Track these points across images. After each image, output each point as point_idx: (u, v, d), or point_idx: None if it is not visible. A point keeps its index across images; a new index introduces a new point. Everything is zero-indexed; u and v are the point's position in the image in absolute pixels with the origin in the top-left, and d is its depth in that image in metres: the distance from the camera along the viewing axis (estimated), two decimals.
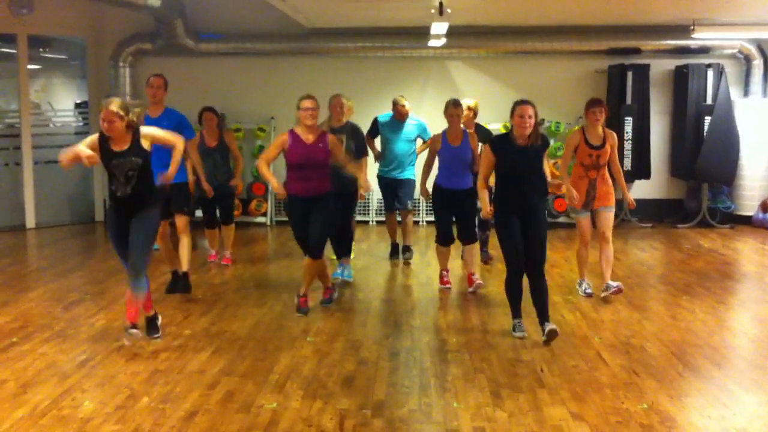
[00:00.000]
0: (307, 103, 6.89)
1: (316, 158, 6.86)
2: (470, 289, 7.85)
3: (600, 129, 7.44)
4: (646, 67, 11.96)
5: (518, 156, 6.29)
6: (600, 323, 6.84)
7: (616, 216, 8.14)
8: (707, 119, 11.75)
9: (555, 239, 10.90)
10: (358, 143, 8.16)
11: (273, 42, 12.16)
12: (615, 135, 7.62)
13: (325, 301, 7.37)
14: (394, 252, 9.54)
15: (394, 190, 9.20)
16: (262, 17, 11.81)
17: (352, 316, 7.13)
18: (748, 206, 12.03)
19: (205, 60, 12.37)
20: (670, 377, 5.49)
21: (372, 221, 12.25)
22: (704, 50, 11.97)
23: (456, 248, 8.34)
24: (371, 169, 9.04)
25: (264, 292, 7.91)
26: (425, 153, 8.35)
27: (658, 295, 8.00)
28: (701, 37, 11.26)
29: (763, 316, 7.27)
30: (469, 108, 8.60)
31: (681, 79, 12.07)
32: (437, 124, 8.18)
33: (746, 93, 12.12)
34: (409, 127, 9.13)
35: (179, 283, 7.71)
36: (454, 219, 7.95)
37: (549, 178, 6.48)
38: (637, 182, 12.06)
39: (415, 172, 9.11)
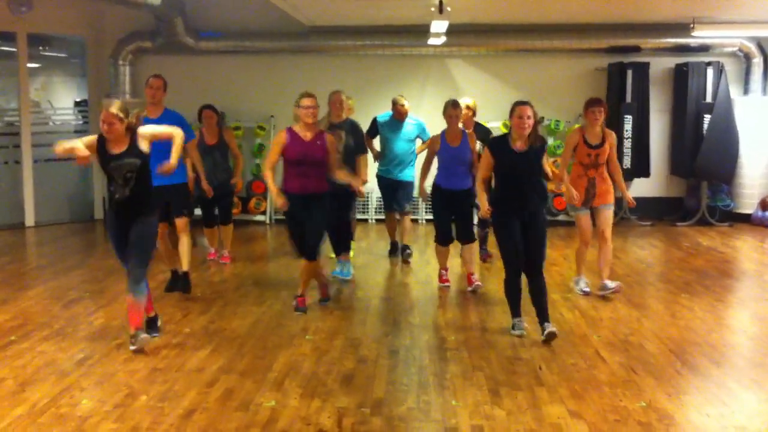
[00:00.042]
0: (307, 101, 6.88)
1: (314, 156, 6.86)
2: (469, 289, 7.85)
3: (599, 128, 7.44)
4: (646, 65, 11.96)
5: (517, 158, 6.29)
6: (599, 321, 6.84)
7: (616, 214, 8.15)
8: (707, 117, 11.74)
9: (554, 237, 10.89)
10: (357, 140, 8.16)
11: (273, 40, 12.15)
12: (614, 134, 7.62)
13: (323, 300, 7.37)
14: (393, 250, 9.55)
15: (393, 191, 9.20)
16: (262, 15, 11.80)
17: (351, 314, 7.13)
18: (748, 204, 12.03)
19: (204, 58, 12.37)
20: (669, 375, 5.49)
21: (371, 219, 12.25)
22: (704, 48, 11.96)
23: (455, 247, 8.34)
24: (371, 168, 9.05)
25: (263, 290, 7.92)
26: (424, 153, 8.36)
27: (657, 293, 8.01)
28: (701, 35, 11.25)
29: (762, 314, 7.27)
30: (467, 107, 8.61)
31: (681, 77, 12.06)
32: (437, 123, 8.17)
33: (746, 91, 12.11)
34: (409, 127, 9.13)
35: (179, 283, 7.71)
36: (453, 218, 7.96)
37: (549, 175, 6.47)
38: (636, 180, 12.05)
39: (414, 173, 9.11)
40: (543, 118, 11.54)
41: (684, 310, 7.22)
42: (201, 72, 12.37)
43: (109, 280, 8.20)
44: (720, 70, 11.76)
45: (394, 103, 9.06)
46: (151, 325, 6.31)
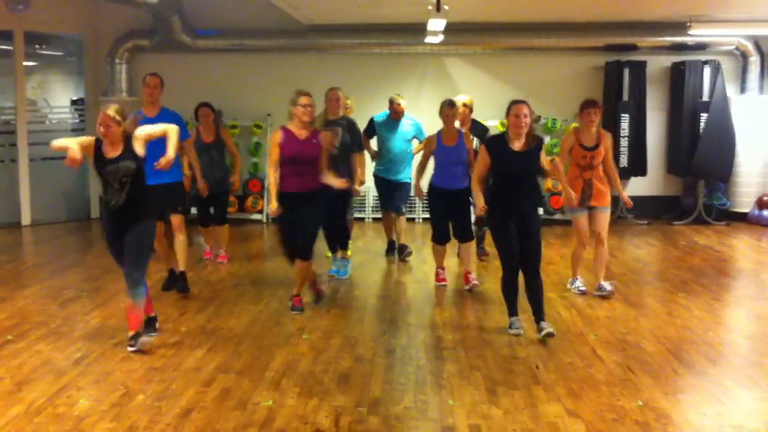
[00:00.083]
0: (304, 100, 6.87)
1: (310, 154, 6.85)
2: (466, 287, 7.86)
3: (594, 130, 7.44)
4: (643, 63, 11.96)
5: (515, 158, 6.29)
6: (595, 320, 6.84)
7: (612, 213, 8.15)
8: (704, 116, 11.73)
9: (551, 236, 10.90)
10: (353, 137, 8.16)
11: (270, 38, 12.14)
12: (609, 136, 7.61)
13: (316, 300, 7.31)
14: (390, 249, 9.54)
15: (390, 191, 9.19)
16: (259, 14, 11.78)
17: (348, 313, 7.12)
18: (744, 203, 12.04)
19: (202, 56, 12.35)
20: (666, 374, 5.50)
21: (368, 218, 12.25)
22: (701, 47, 11.97)
23: (452, 246, 8.36)
24: (368, 168, 9.05)
25: (260, 289, 7.91)
26: (421, 153, 8.37)
27: (654, 292, 8.01)
28: (698, 33, 11.24)
29: (759, 312, 7.28)
30: (464, 105, 8.64)
31: (678, 75, 12.07)
32: (434, 122, 8.17)
33: (743, 90, 12.12)
34: (406, 127, 9.12)
35: (178, 283, 7.70)
36: (450, 218, 7.96)
37: (547, 172, 6.46)
38: (633, 179, 12.05)
39: (411, 174, 9.09)
40: (540, 117, 11.54)
41: (681, 308, 7.23)
42: (198, 70, 12.35)
43: (106, 279, 8.18)
44: (717, 69, 11.76)
45: (391, 102, 9.06)
46: (149, 325, 6.30)
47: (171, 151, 6.00)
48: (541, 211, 11.69)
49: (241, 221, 11.97)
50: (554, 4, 10.37)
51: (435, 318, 6.99)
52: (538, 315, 6.34)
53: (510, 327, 6.45)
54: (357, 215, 11.31)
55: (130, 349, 5.90)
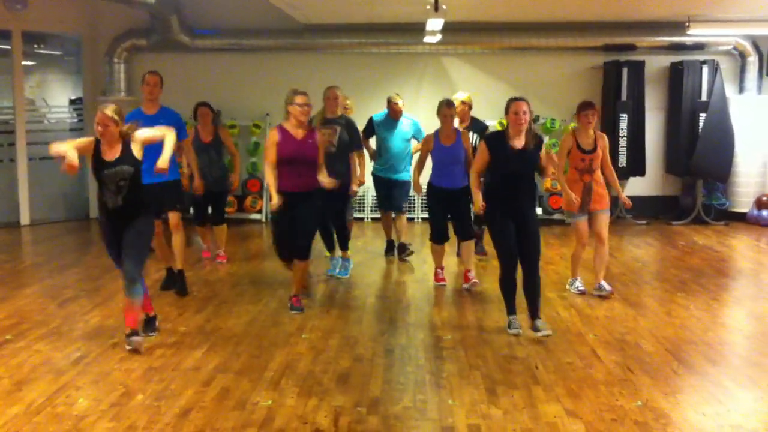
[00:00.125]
0: (301, 99, 6.85)
1: (307, 154, 6.84)
2: (465, 286, 7.87)
3: (591, 132, 7.45)
4: (641, 63, 11.96)
5: (514, 156, 6.30)
6: (594, 320, 6.85)
7: (611, 213, 8.15)
8: (702, 116, 11.74)
9: (550, 236, 10.91)
10: (352, 136, 8.16)
11: (268, 38, 12.13)
12: (605, 137, 7.61)
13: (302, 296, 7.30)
14: (389, 249, 9.54)
15: (390, 190, 9.19)
16: (258, 13, 11.78)
17: (348, 313, 7.12)
18: (743, 203, 12.04)
19: (200, 56, 12.34)
20: (665, 374, 5.50)
21: (367, 218, 12.25)
22: (699, 47, 11.98)
23: (450, 245, 8.36)
24: (366, 168, 9.06)
25: (259, 289, 7.91)
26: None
27: (653, 292, 8.01)
28: (696, 33, 11.25)
29: (758, 312, 7.28)
30: (463, 102, 8.67)
31: (676, 75, 12.07)
32: (432, 121, 8.17)
33: (741, 90, 12.12)
34: (405, 126, 9.11)
35: (177, 283, 7.70)
36: (449, 217, 7.97)
37: (548, 172, 6.45)
38: (631, 179, 12.05)
39: (410, 173, 9.08)
40: (538, 116, 11.55)
41: (680, 308, 7.23)
42: (196, 70, 12.35)
43: (105, 279, 8.17)
44: (715, 69, 11.77)
45: (389, 102, 9.06)
46: (149, 324, 6.30)
47: (166, 154, 5.99)
48: (540, 210, 11.72)
49: (240, 221, 11.97)
50: (552, 4, 10.37)
51: (434, 318, 6.99)
52: (533, 311, 6.39)
53: (509, 327, 6.45)
54: (356, 215, 11.30)
55: (128, 347, 5.90)
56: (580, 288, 7.68)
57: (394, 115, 9.05)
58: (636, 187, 12.10)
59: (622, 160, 11.79)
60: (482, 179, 6.60)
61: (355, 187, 8.21)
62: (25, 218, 11.78)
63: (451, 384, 5.31)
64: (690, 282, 8.26)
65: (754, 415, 4.83)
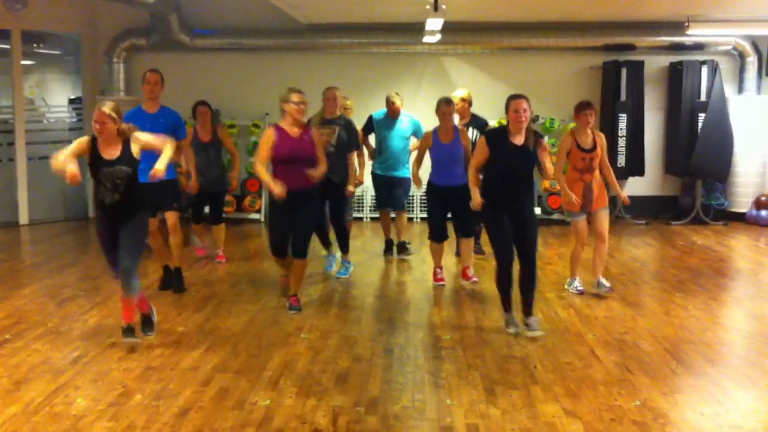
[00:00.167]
0: (297, 97, 6.83)
1: (304, 152, 6.83)
2: (464, 282, 7.91)
3: (590, 131, 7.46)
4: (641, 63, 11.97)
5: (514, 152, 6.30)
6: (593, 320, 6.85)
7: (610, 212, 8.17)
8: (701, 116, 11.74)
9: (549, 236, 10.91)
10: (350, 136, 8.15)
11: (268, 38, 12.13)
12: (603, 136, 7.64)
13: (285, 293, 7.34)
14: (388, 248, 9.53)
15: (390, 188, 9.18)
16: (257, 13, 11.78)
17: (346, 313, 7.12)
18: (742, 203, 12.04)
19: (199, 55, 12.34)
20: (664, 374, 5.50)
21: (366, 218, 12.24)
22: (699, 47, 11.97)
23: (449, 245, 8.36)
24: (367, 168, 9.08)
25: (258, 288, 7.90)
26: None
27: (652, 292, 8.02)
28: (696, 33, 11.26)
29: (757, 312, 7.28)
30: (462, 99, 8.69)
31: (675, 75, 12.07)
32: (431, 121, 8.17)
33: (740, 90, 12.12)
34: (404, 124, 9.12)
35: (176, 282, 7.70)
36: (449, 215, 7.99)
37: (549, 173, 6.46)
38: (631, 179, 12.06)
39: (410, 170, 9.09)
40: (537, 116, 11.55)
41: (679, 308, 7.23)
42: (196, 69, 12.35)
43: (104, 278, 8.15)
44: (714, 69, 11.77)
45: (387, 101, 9.06)
46: (146, 323, 6.29)
47: (163, 163, 5.97)
48: (539, 210, 11.72)
49: (239, 221, 11.96)
50: (552, 4, 10.37)
51: (433, 317, 6.99)
52: (527, 309, 6.43)
53: (506, 326, 6.46)
54: (355, 215, 11.30)
55: (124, 339, 5.96)
56: (578, 288, 7.69)
57: (392, 114, 9.05)
58: (635, 187, 12.10)
59: (622, 160, 11.79)
60: (481, 176, 6.61)
61: (351, 188, 8.20)
62: (24, 218, 11.77)
63: (449, 384, 5.31)
64: (689, 282, 8.27)
65: (753, 414, 4.83)
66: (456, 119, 8.27)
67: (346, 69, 12.19)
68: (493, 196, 6.38)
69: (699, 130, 11.72)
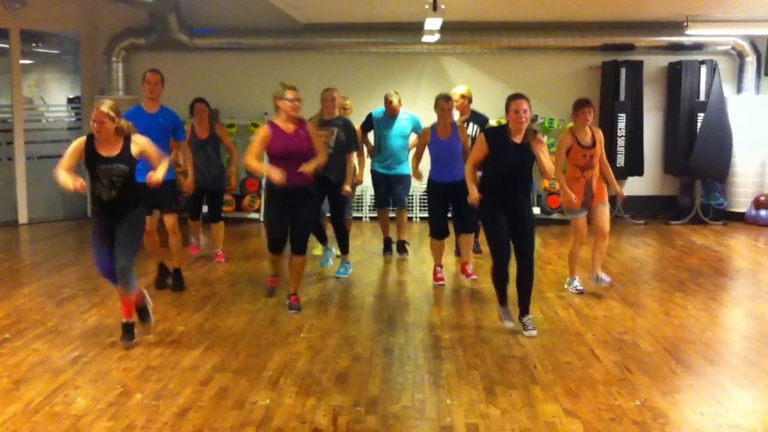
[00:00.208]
0: (291, 94, 6.82)
1: (299, 147, 6.82)
2: (463, 276, 8.02)
3: (588, 128, 7.47)
4: (640, 63, 11.97)
5: (512, 151, 6.31)
6: (593, 319, 6.85)
7: (609, 212, 8.17)
8: (700, 116, 11.74)
9: (548, 236, 10.92)
10: (349, 137, 8.15)
11: (267, 37, 12.13)
12: (601, 132, 7.66)
13: (270, 291, 7.44)
14: (387, 247, 9.53)
15: (390, 186, 9.18)
16: (256, 12, 11.78)
17: (346, 313, 7.12)
18: (741, 203, 12.05)
19: (198, 55, 12.34)
20: (663, 374, 5.50)
21: (366, 217, 12.24)
22: (697, 47, 11.98)
23: (449, 243, 8.36)
24: (366, 167, 9.08)
25: (257, 288, 7.89)
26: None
27: (651, 292, 8.02)
28: (694, 33, 11.26)
29: (756, 312, 7.28)
30: (462, 96, 8.71)
31: (674, 75, 12.08)
32: (431, 120, 8.17)
33: (739, 90, 12.13)
34: (403, 123, 9.11)
35: (176, 281, 7.70)
36: (449, 212, 8.04)
37: (549, 174, 6.46)
38: (630, 179, 12.06)
39: (409, 167, 9.08)
40: (537, 116, 11.55)
41: (678, 308, 7.24)
42: (195, 69, 12.34)
43: (103, 278, 8.14)
44: (713, 69, 11.77)
45: (385, 99, 9.06)
46: (142, 314, 6.27)
47: (159, 175, 5.96)
48: (538, 210, 11.73)
49: (238, 220, 11.96)
50: (551, 4, 10.38)
51: (433, 317, 6.99)
52: (524, 307, 6.46)
53: (502, 319, 6.53)
54: (355, 214, 11.29)
55: (123, 342, 5.99)
56: (578, 288, 7.69)
57: (390, 112, 9.05)
58: (634, 186, 12.11)
59: (621, 160, 11.80)
60: (479, 173, 6.63)
61: (347, 187, 8.18)
62: (23, 217, 11.77)
63: (449, 383, 5.31)
64: (688, 282, 8.27)
65: (753, 414, 4.83)
66: (456, 116, 8.29)
67: (345, 69, 12.19)
68: (492, 195, 6.40)
69: (698, 130, 11.72)
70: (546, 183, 11.69)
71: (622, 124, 11.83)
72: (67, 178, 5.72)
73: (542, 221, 11.67)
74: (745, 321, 7.09)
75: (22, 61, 11.94)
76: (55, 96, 13.69)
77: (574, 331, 6.52)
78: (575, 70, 12.35)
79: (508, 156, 6.32)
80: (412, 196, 11.87)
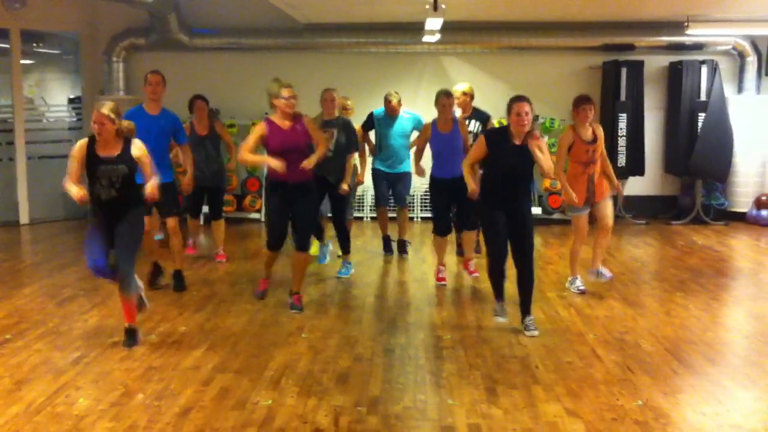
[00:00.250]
0: (287, 92, 6.81)
1: (297, 142, 6.83)
2: (464, 271, 8.10)
3: (588, 125, 7.49)
4: (640, 63, 11.97)
5: (512, 152, 6.31)
6: (594, 319, 6.85)
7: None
8: (701, 116, 11.74)
9: (549, 236, 10.92)
10: (348, 138, 8.15)
11: (267, 37, 12.13)
12: (601, 127, 7.71)
13: (259, 293, 7.40)
14: (386, 245, 9.51)
15: (391, 184, 9.18)
16: (256, 12, 11.78)
17: (347, 313, 7.12)
18: (742, 203, 12.04)
19: (198, 55, 12.34)
20: (665, 374, 5.50)
21: (367, 217, 12.24)
22: (698, 46, 11.98)
23: (450, 243, 8.37)
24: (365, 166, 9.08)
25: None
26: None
27: (652, 292, 8.02)
28: (695, 33, 11.26)
29: (757, 312, 7.28)
30: (464, 93, 8.70)
31: (675, 75, 12.07)
32: (431, 119, 8.18)
33: (740, 89, 12.13)
34: (404, 122, 9.12)
35: (177, 282, 7.70)
36: (452, 209, 8.09)
37: (549, 173, 6.47)
38: (631, 179, 12.06)
39: (411, 165, 9.07)
40: (538, 116, 11.54)
41: (679, 308, 7.24)
42: (195, 69, 12.33)
43: (93, 274, 8.12)
44: (714, 69, 11.77)
45: (384, 99, 9.06)
46: (138, 303, 6.27)
47: (152, 187, 5.92)
48: (539, 210, 11.73)
49: (239, 220, 11.96)
50: (551, 4, 10.37)
51: (434, 317, 6.99)
52: (525, 308, 6.47)
53: (496, 313, 6.59)
54: (356, 214, 11.28)
55: (126, 346, 5.97)
56: (580, 288, 7.69)
57: (390, 112, 9.05)
58: (635, 186, 12.11)
59: (622, 160, 11.79)
60: (481, 172, 6.64)
61: (345, 186, 8.14)
62: (24, 217, 11.77)
63: (451, 384, 5.31)
64: (689, 282, 8.27)
65: (754, 414, 4.84)
66: (458, 113, 8.30)
67: (345, 69, 12.19)
68: (492, 195, 6.40)
69: (699, 130, 11.72)
70: (547, 183, 11.69)
71: (622, 124, 11.82)
72: (73, 188, 5.73)
73: (543, 221, 11.68)
74: (746, 321, 7.09)
75: (22, 61, 11.94)
76: (55, 96, 13.69)
77: (575, 331, 6.52)
78: (576, 70, 12.35)
79: (508, 157, 6.32)
80: (413, 195, 11.87)
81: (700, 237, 10.92)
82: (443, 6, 8.42)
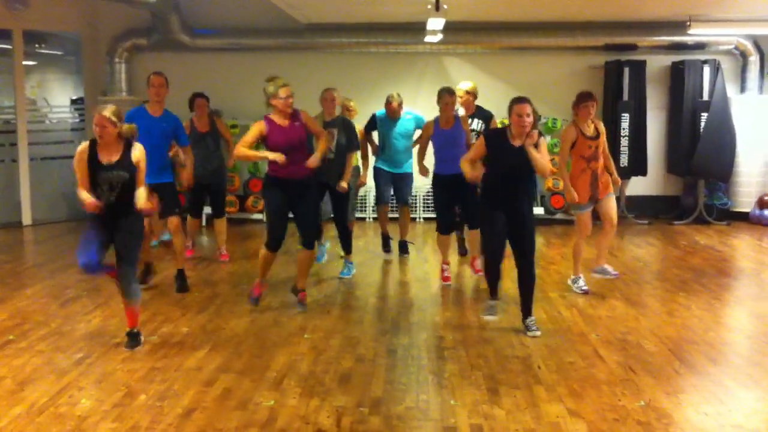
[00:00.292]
0: (285, 92, 6.80)
1: (295, 138, 6.84)
2: (471, 270, 8.14)
3: (590, 121, 7.50)
4: (643, 63, 11.96)
5: (512, 152, 6.31)
6: (596, 320, 6.84)
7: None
8: (704, 116, 11.72)
9: (551, 236, 10.91)
10: (348, 138, 8.14)
11: (269, 38, 12.14)
12: (601, 122, 7.76)
13: (252, 299, 7.27)
14: (385, 243, 9.47)
15: (393, 183, 9.18)
16: (258, 12, 11.79)
17: (349, 313, 7.12)
18: (745, 203, 12.03)
19: (200, 55, 12.35)
20: (667, 374, 5.50)
21: (369, 218, 12.23)
22: (700, 46, 11.97)
23: (452, 243, 8.37)
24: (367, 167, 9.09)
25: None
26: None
27: (655, 292, 8.01)
28: (697, 33, 11.25)
29: (760, 312, 7.28)
30: (467, 92, 8.69)
31: (677, 75, 12.07)
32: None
33: (743, 89, 12.12)
34: (406, 123, 9.11)
35: (180, 282, 7.72)
36: (457, 207, 8.10)
37: (547, 173, 6.48)
38: (633, 179, 12.06)
39: (413, 165, 9.07)
40: (540, 116, 11.52)
41: (681, 308, 7.23)
42: (196, 69, 12.33)
43: (106, 279, 8.13)
44: (716, 68, 11.76)
45: (386, 100, 9.06)
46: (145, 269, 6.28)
47: (142, 203, 5.89)
48: (542, 210, 11.72)
49: (242, 221, 11.96)
50: (553, 4, 10.37)
51: (436, 318, 6.99)
52: (526, 309, 6.48)
53: (486, 310, 6.68)
54: (358, 215, 11.29)
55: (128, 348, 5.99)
56: (583, 288, 7.68)
57: (390, 113, 9.03)
58: (637, 186, 12.11)
59: (624, 160, 11.78)
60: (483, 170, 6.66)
61: (344, 184, 8.12)
62: (26, 218, 11.78)
63: (453, 384, 5.31)
64: (692, 282, 8.26)
65: (756, 414, 4.83)
66: (461, 112, 8.30)
67: (346, 69, 12.19)
68: (492, 194, 6.41)
69: (701, 130, 11.71)
70: (549, 183, 11.68)
71: (625, 124, 11.81)
72: (88, 197, 5.75)
73: (545, 221, 11.68)
74: (749, 321, 7.09)
75: (24, 62, 11.96)
76: (58, 97, 13.71)
77: (577, 331, 6.52)
78: (578, 70, 12.34)
79: (507, 157, 6.33)
80: (416, 196, 11.87)
81: (703, 237, 10.91)
82: (445, 6, 8.43)
